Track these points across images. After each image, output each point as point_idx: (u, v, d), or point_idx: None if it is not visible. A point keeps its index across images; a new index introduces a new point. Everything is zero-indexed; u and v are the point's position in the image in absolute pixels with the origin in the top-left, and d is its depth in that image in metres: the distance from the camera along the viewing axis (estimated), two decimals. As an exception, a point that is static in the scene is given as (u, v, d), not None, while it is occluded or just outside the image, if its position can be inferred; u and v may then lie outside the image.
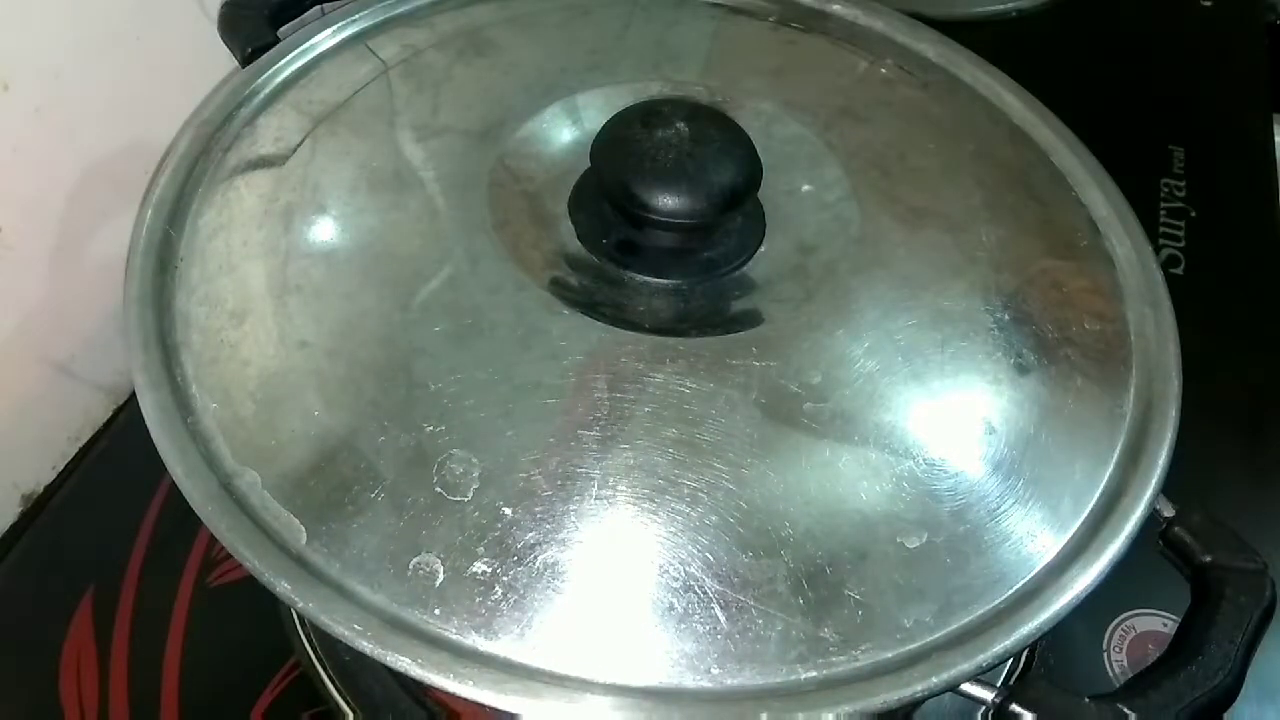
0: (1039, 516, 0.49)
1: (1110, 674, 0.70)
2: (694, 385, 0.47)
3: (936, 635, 0.45)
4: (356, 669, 0.67)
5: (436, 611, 0.42)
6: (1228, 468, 0.80)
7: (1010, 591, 0.47)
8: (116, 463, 0.78)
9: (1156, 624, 0.72)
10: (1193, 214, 1.01)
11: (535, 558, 0.43)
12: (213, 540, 0.75)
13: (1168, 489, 0.56)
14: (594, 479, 0.44)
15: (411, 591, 0.43)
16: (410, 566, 0.43)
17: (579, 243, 0.52)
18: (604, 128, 0.49)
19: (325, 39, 0.64)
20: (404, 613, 0.42)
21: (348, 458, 0.45)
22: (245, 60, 0.69)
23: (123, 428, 0.81)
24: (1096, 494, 0.51)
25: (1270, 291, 0.95)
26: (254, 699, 0.66)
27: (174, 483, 0.47)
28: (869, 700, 0.42)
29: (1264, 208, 1.03)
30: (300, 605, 0.42)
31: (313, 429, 0.46)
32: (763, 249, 0.53)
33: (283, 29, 0.71)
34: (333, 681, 0.66)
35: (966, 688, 0.49)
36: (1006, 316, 0.53)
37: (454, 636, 0.42)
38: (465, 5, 0.66)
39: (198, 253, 0.53)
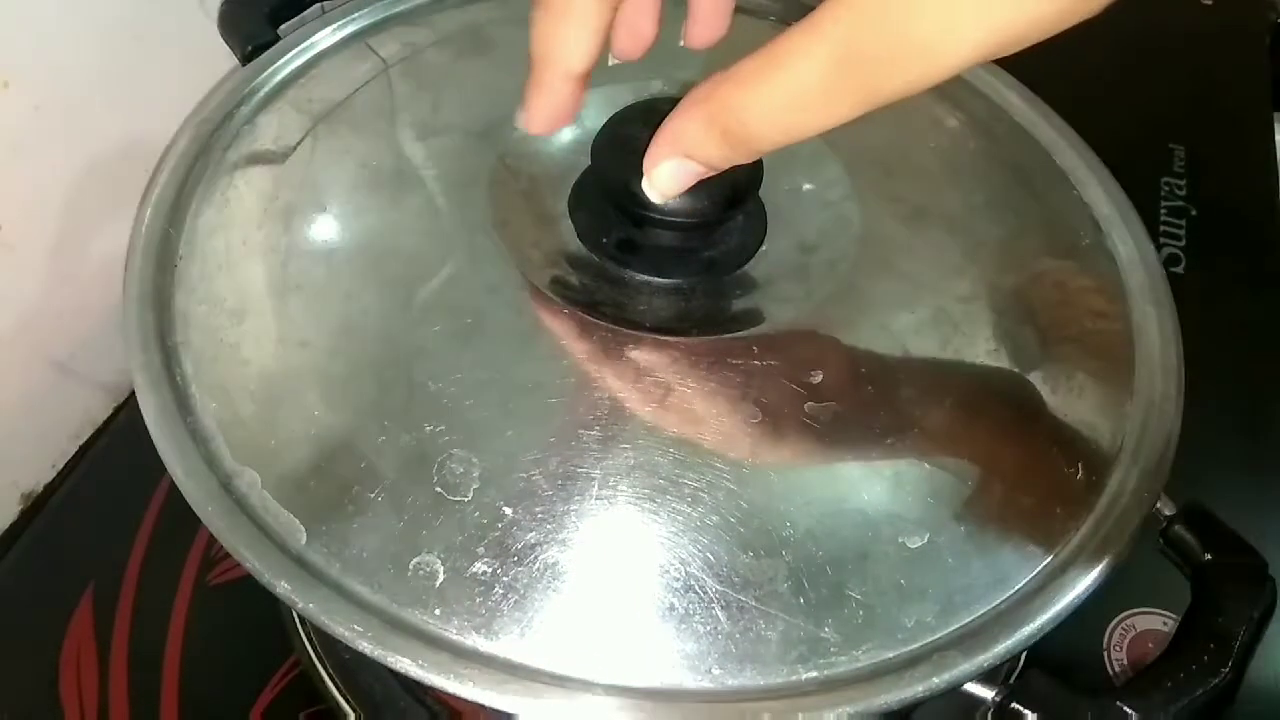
0: (1040, 516, 0.49)
1: (1110, 673, 0.70)
2: (695, 384, 0.47)
3: (938, 635, 0.45)
4: (356, 668, 0.67)
5: (437, 611, 0.42)
6: (1228, 467, 0.80)
7: (1012, 592, 0.47)
8: (116, 462, 0.78)
9: (1156, 623, 0.72)
10: (1193, 213, 1.01)
11: (536, 558, 0.43)
12: (213, 539, 0.75)
13: (1168, 488, 0.56)
14: (594, 479, 0.44)
15: (411, 591, 0.43)
16: (410, 566, 0.43)
17: (579, 242, 0.52)
18: (604, 126, 0.49)
19: (325, 37, 0.64)
20: (404, 613, 0.42)
21: (348, 458, 0.45)
22: (245, 58, 0.69)
23: (123, 427, 0.81)
24: (1099, 493, 0.51)
25: (1270, 291, 0.95)
26: (254, 698, 0.66)
27: (174, 482, 0.47)
28: (870, 701, 0.42)
29: (1264, 208, 1.03)
30: (300, 606, 0.42)
31: (313, 429, 0.46)
32: (764, 248, 0.53)
33: (283, 27, 0.71)
34: (333, 680, 0.66)
35: (967, 687, 0.49)
36: (1008, 316, 0.53)
37: (454, 637, 0.42)
38: (465, 4, 0.66)
39: (197, 252, 0.53)
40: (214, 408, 0.48)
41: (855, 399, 0.48)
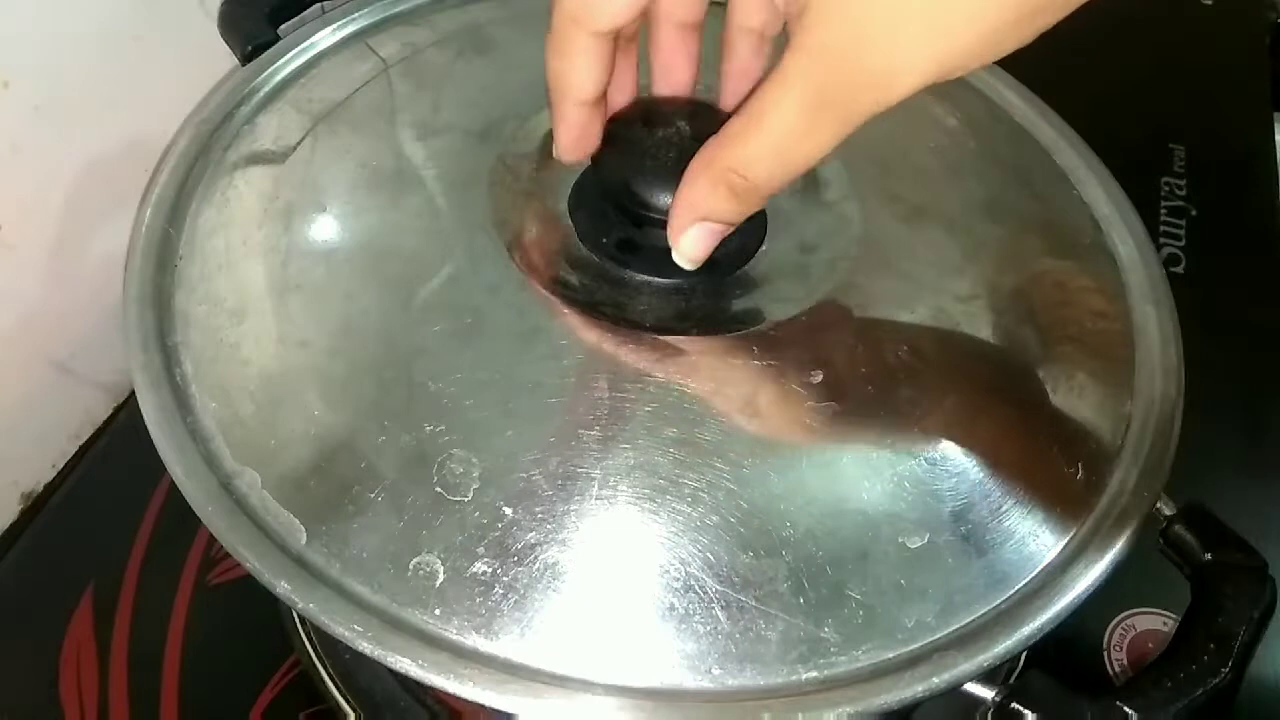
0: (1041, 516, 0.49)
1: (1110, 673, 0.70)
2: (695, 385, 0.47)
3: (938, 635, 0.45)
4: (356, 668, 0.67)
5: (437, 612, 0.42)
6: (1228, 467, 0.80)
7: (1012, 592, 0.47)
8: (116, 461, 0.78)
9: (1156, 623, 0.72)
10: (1193, 213, 1.01)
11: (536, 558, 0.43)
12: (213, 539, 0.75)
13: (1168, 488, 0.56)
14: (594, 479, 0.44)
15: (412, 592, 0.43)
16: (410, 567, 0.43)
17: (579, 242, 0.52)
18: (605, 127, 0.49)
19: (325, 37, 0.64)
20: (404, 613, 0.42)
21: (348, 458, 0.45)
22: (245, 58, 0.69)
23: (122, 426, 0.81)
24: (1099, 493, 0.51)
25: (1270, 291, 0.95)
26: (254, 698, 0.66)
27: (173, 482, 0.47)
28: (870, 700, 0.42)
29: (1264, 207, 1.03)
30: (300, 606, 0.42)
31: (312, 429, 0.46)
32: (764, 248, 0.53)
33: (283, 27, 0.71)
34: (333, 680, 0.66)
35: (967, 687, 0.49)
36: (1008, 315, 0.53)
37: (454, 637, 0.42)
38: (465, 4, 0.65)
39: (197, 251, 0.53)
40: (214, 408, 0.48)
41: (855, 399, 0.48)
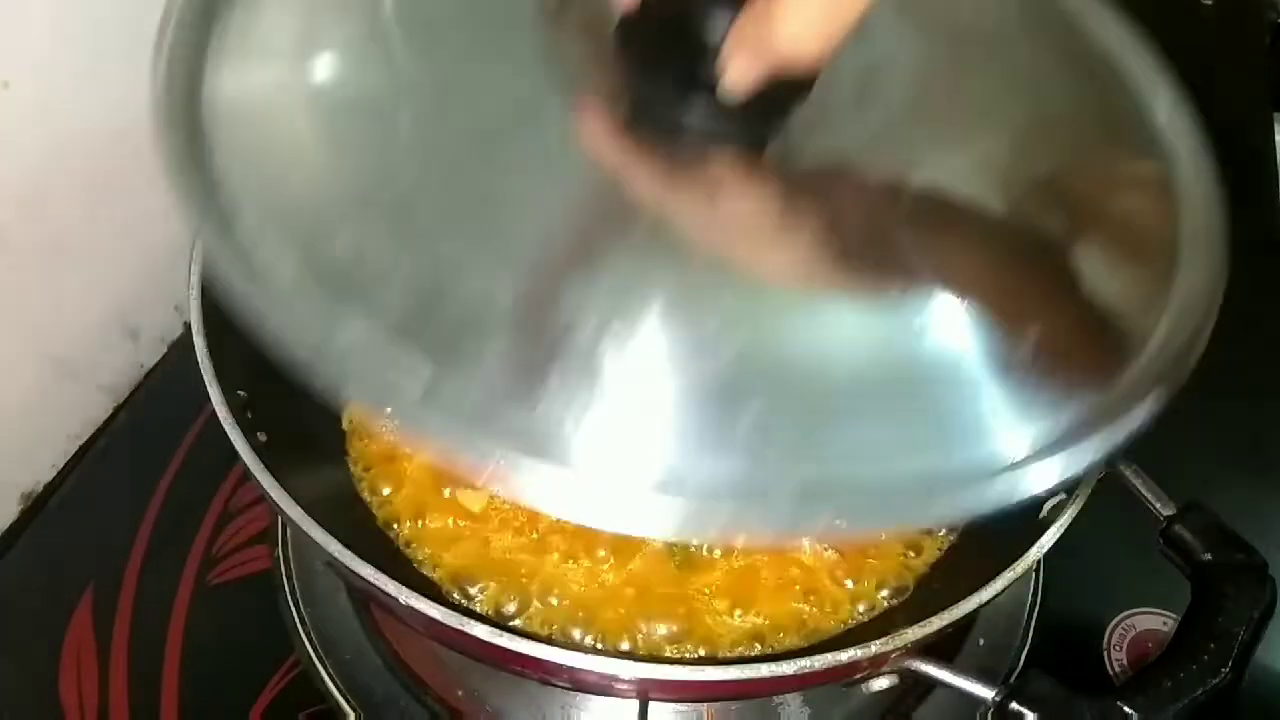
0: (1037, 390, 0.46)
1: (1110, 672, 0.70)
2: (731, 207, 0.46)
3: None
4: (357, 667, 0.67)
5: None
6: (1228, 467, 0.80)
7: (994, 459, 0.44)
8: (116, 462, 0.78)
9: (1156, 623, 0.72)
10: (1193, 213, 1.01)
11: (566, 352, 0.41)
12: (212, 539, 0.75)
13: (1168, 488, 0.56)
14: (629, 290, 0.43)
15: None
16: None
17: (631, 71, 0.49)
18: None
19: None
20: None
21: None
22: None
23: (122, 426, 0.81)
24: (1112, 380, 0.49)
25: (1270, 291, 0.95)
26: (254, 698, 0.66)
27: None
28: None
29: (1264, 208, 1.03)
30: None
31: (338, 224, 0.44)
32: (813, 93, 0.49)
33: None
34: (333, 680, 0.66)
35: (968, 686, 0.49)
36: (1053, 180, 0.52)
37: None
38: None
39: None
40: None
41: (884, 239, 0.47)
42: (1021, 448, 0.44)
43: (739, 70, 0.44)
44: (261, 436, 0.56)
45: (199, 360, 0.55)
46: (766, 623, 0.62)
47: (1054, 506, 0.57)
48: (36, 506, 0.78)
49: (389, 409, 0.40)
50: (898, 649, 0.49)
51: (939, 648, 0.67)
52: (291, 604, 0.69)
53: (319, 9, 0.51)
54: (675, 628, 0.61)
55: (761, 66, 0.44)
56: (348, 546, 0.50)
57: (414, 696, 0.66)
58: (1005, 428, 0.44)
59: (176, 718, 0.65)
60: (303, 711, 0.66)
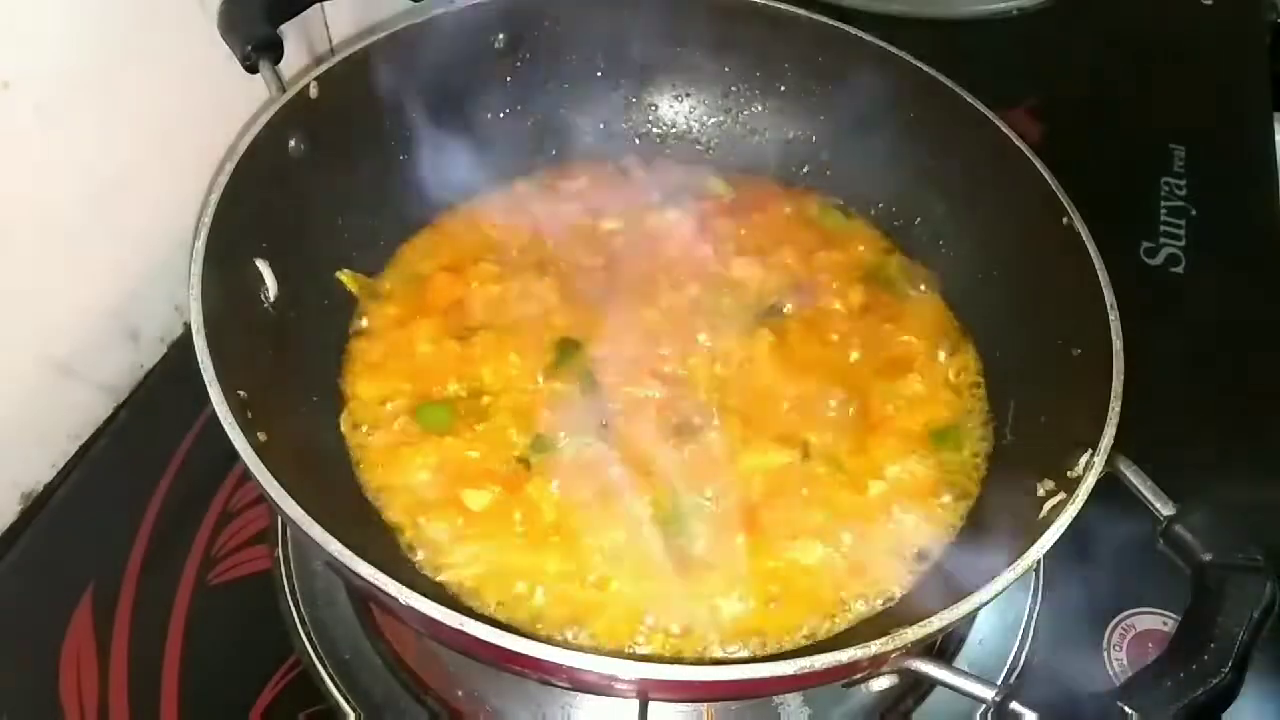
0: None
1: (1110, 672, 0.70)
2: None
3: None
4: (357, 667, 0.67)
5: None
6: (1228, 467, 0.80)
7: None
8: (116, 462, 0.78)
9: (1156, 623, 0.72)
10: (1193, 213, 1.01)
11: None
12: (212, 539, 0.75)
13: (1168, 488, 0.56)
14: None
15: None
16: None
17: None
18: None
19: None
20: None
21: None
22: (245, 58, 0.69)
23: (122, 426, 0.81)
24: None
25: (1270, 290, 0.95)
26: (254, 697, 0.66)
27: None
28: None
29: (1264, 207, 1.03)
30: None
31: None
32: None
33: (282, 27, 0.71)
34: (333, 680, 0.66)
35: (968, 686, 0.49)
36: None
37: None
38: None
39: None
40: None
41: None
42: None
43: None
44: (261, 436, 0.56)
45: (199, 360, 0.55)
46: (766, 623, 0.62)
47: (1054, 506, 0.57)
48: (36, 506, 0.78)
49: None
50: (898, 649, 0.49)
51: (939, 647, 0.68)
52: (291, 604, 0.69)
53: None
54: (675, 628, 0.61)
55: None
56: (348, 546, 0.50)
57: (414, 696, 0.66)
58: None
59: (176, 718, 0.65)
60: (303, 711, 0.66)
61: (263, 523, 0.73)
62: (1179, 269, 0.96)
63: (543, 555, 0.63)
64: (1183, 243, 0.98)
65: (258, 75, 0.69)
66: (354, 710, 0.65)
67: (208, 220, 0.61)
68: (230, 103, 0.76)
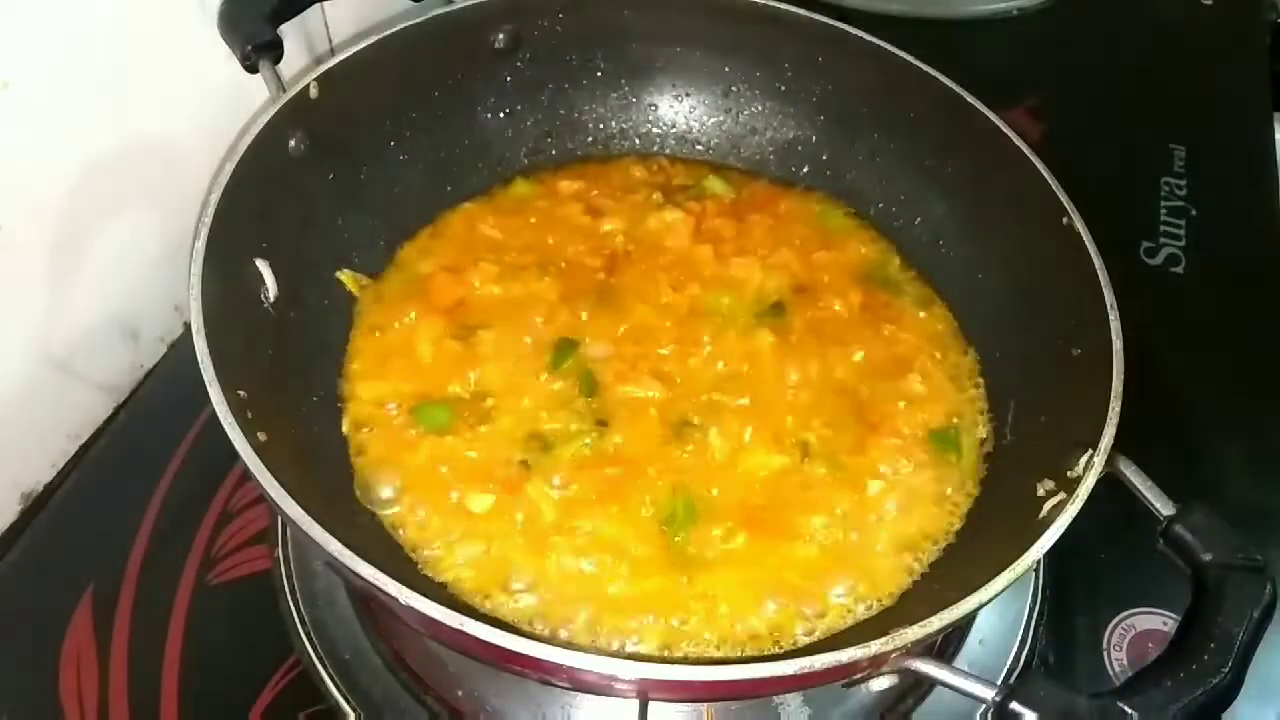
0: None
1: (1110, 672, 0.70)
2: None
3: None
4: (357, 667, 0.67)
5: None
6: (1228, 467, 0.80)
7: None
8: (116, 461, 0.78)
9: (1156, 623, 0.72)
10: (1193, 213, 1.01)
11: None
12: (212, 539, 0.75)
13: (1168, 487, 0.56)
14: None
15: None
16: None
17: None
18: None
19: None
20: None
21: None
22: (245, 58, 0.69)
23: (122, 426, 0.81)
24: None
25: (1270, 290, 0.95)
26: (254, 698, 0.66)
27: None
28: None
29: (1264, 207, 1.03)
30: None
31: None
32: None
33: (283, 27, 0.71)
34: (333, 680, 0.66)
35: (968, 686, 0.49)
36: None
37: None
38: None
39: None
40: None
41: None
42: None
43: None
44: (261, 436, 0.56)
45: (199, 360, 0.55)
46: (766, 622, 0.62)
47: (1054, 506, 0.57)
48: (36, 506, 0.78)
49: None
50: (898, 649, 0.49)
51: (939, 648, 0.68)
52: (291, 604, 0.69)
53: None
54: (675, 627, 0.61)
55: None
56: (348, 546, 0.50)
57: (414, 696, 0.66)
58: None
59: (176, 718, 0.65)
60: (303, 711, 0.66)
61: (263, 523, 0.73)
62: (1179, 269, 0.96)
63: (543, 555, 0.63)
64: (1183, 243, 0.98)
65: (258, 75, 0.69)
66: (354, 710, 0.65)
67: (208, 220, 0.61)
68: (230, 102, 0.76)
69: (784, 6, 0.82)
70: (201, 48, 0.73)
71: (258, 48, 0.69)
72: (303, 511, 0.51)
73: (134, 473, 0.76)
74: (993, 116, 0.74)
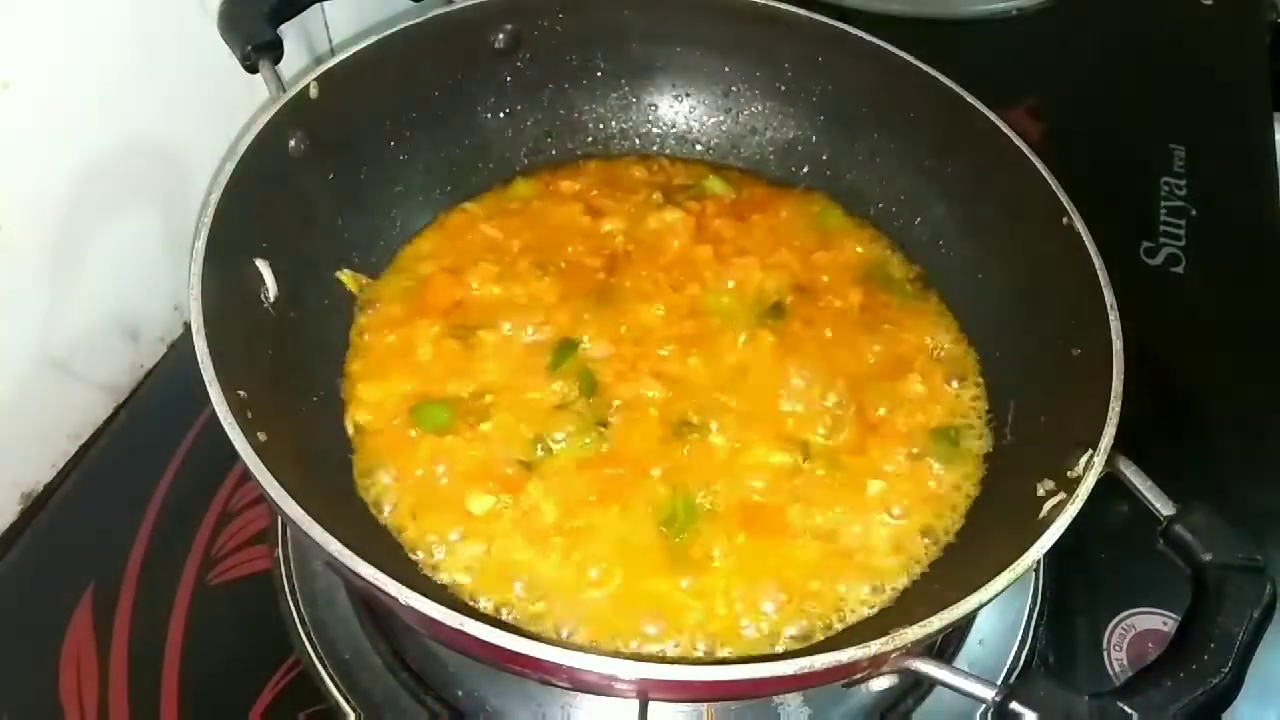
0: None
1: (1110, 672, 0.70)
2: None
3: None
4: (357, 667, 0.67)
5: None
6: (1228, 467, 0.80)
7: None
8: (116, 461, 0.78)
9: (1156, 623, 0.72)
10: (1193, 213, 1.01)
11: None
12: (212, 539, 0.75)
13: (1168, 487, 0.56)
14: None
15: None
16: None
17: None
18: None
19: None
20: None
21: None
22: (245, 58, 0.69)
23: (122, 426, 0.81)
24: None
25: (1270, 290, 0.95)
26: (254, 698, 0.66)
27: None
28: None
29: (1264, 207, 1.03)
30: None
31: None
32: None
33: (283, 27, 0.71)
34: (333, 680, 0.66)
35: (968, 686, 0.49)
36: None
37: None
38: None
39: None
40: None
41: None
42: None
43: None
44: (261, 436, 0.56)
45: (199, 360, 0.55)
46: (767, 623, 0.62)
47: (1054, 506, 0.57)
48: (36, 505, 0.78)
49: None
50: (898, 649, 0.49)
51: (939, 648, 0.68)
52: (291, 604, 0.69)
53: None
54: (675, 627, 0.61)
55: None
56: (348, 546, 0.50)
57: (414, 696, 0.66)
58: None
59: (176, 718, 0.65)
60: (303, 711, 0.66)
61: (263, 523, 0.73)
62: (1179, 269, 0.96)
63: (543, 555, 0.63)
64: (1183, 243, 0.98)
65: (258, 75, 0.69)
66: (354, 710, 0.65)
67: (208, 220, 0.61)
68: (230, 103, 0.76)
69: (784, 6, 0.82)
70: (201, 47, 0.73)
71: (258, 48, 0.69)
72: (303, 511, 0.51)
73: (134, 473, 0.76)
74: (993, 116, 0.74)
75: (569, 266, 0.78)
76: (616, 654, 0.60)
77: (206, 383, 0.55)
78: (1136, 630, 0.72)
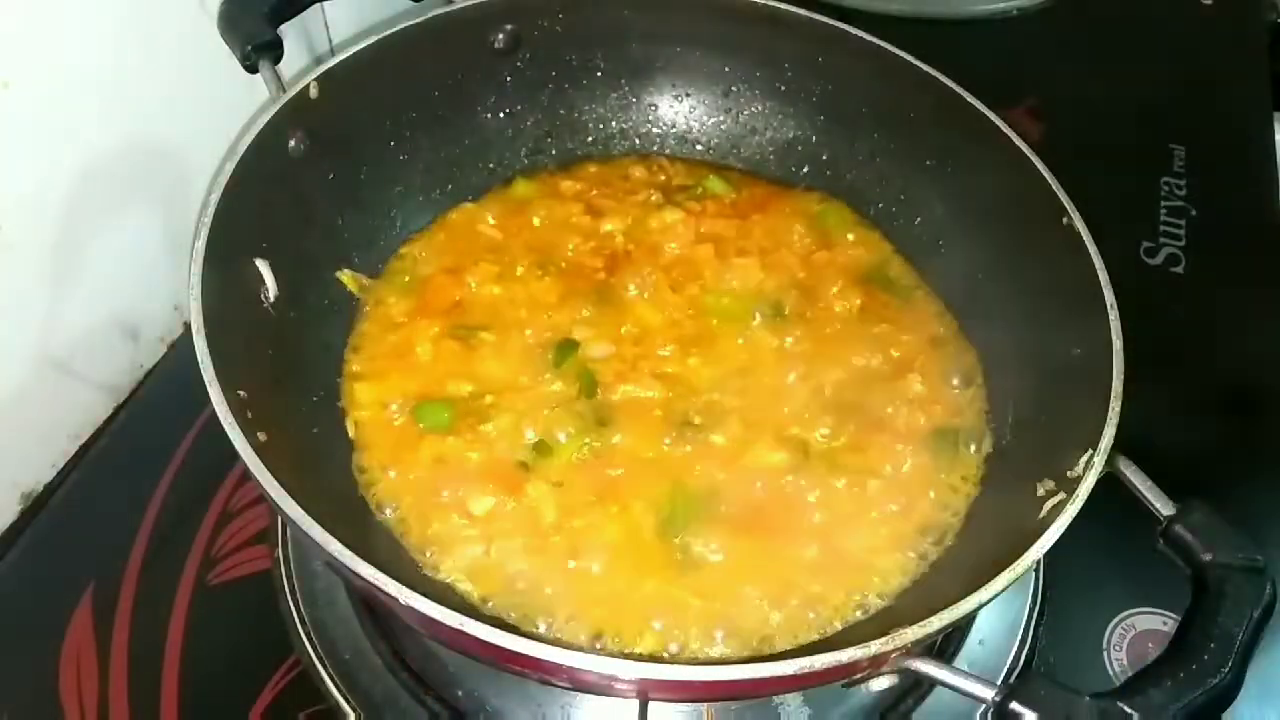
0: None
1: (1110, 672, 0.70)
2: None
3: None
4: (357, 667, 0.67)
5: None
6: (1228, 466, 0.80)
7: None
8: (116, 461, 0.78)
9: (1156, 623, 0.72)
10: (1193, 213, 1.01)
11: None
12: (212, 539, 0.75)
13: (1168, 487, 0.56)
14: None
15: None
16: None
17: None
18: None
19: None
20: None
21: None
22: (245, 58, 0.69)
23: (123, 426, 0.81)
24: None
25: (1270, 291, 0.95)
26: (254, 698, 0.66)
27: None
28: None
29: (1264, 207, 1.03)
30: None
31: None
32: None
33: (282, 27, 0.71)
34: (333, 680, 0.66)
35: (968, 686, 0.49)
36: None
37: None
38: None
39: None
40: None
41: None
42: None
43: None
44: (261, 436, 0.56)
45: (199, 360, 0.55)
46: (766, 622, 0.62)
47: (1054, 506, 0.57)
48: (37, 505, 0.78)
49: None
50: (898, 649, 0.49)
51: (939, 648, 0.68)
52: (291, 604, 0.69)
53: None
54: (674, 628, 0.61)
55: None
56: (348, 546, 0.50)
57: (414, 696, 0.66)
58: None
59: (176, 718, 0.65)
60: (303, 711, 0.66)
61: (263, 523, 0.74)
62: (1179, 269, 0.96)
63: (543, 555, 0.63)
64: (1183, 243, 0.98)
65: (258, 75, 0.69)
66: (354, 710, 0.65)
67: (208, 220, 0.61)
68: (230, 103, 0.76)
69: (784, 6, 0.82)
70: (201, 47, 0.73)
71: (258, 48, 0.69)
72: (303, 511, 0.51)
73: (134, 473, 0.76)
74: (993, 116, 0.74)
75: (569, 266, 0.78)
76: (617, 654, 0.60)
77: (206, 383, 0.55)
78: (1136, 630, 0.72)
